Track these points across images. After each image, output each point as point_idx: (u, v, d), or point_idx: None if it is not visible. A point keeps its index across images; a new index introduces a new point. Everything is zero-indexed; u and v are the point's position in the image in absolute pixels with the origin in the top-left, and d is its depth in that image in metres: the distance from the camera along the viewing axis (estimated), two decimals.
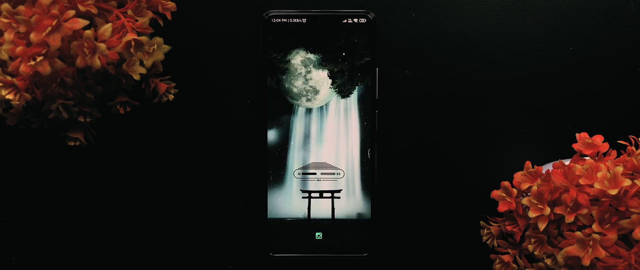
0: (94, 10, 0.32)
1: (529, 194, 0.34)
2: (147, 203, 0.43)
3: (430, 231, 0.43)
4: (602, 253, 0.29)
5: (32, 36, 0.29)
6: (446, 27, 0.42)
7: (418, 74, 0.43)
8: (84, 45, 0.30)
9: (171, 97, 0.39)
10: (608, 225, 0.30)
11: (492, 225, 0.36)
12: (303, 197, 0.42)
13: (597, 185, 0.30)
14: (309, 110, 0.42)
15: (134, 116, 0.41)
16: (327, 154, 0.42)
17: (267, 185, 0.42)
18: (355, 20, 0.41)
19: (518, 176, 0.34)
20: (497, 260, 0.35)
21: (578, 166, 0.32)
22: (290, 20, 0.41)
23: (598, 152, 0.34)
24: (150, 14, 0.34)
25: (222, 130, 0.43)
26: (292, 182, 0.42)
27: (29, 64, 0.29)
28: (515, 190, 0.34)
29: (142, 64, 0.34)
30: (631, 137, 0.34)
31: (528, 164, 0.34)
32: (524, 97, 0.42)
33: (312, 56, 0.41)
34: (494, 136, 0.43)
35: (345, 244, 0.42)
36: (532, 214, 0.32)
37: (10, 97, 0.31)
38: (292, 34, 0.41)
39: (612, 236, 0.29)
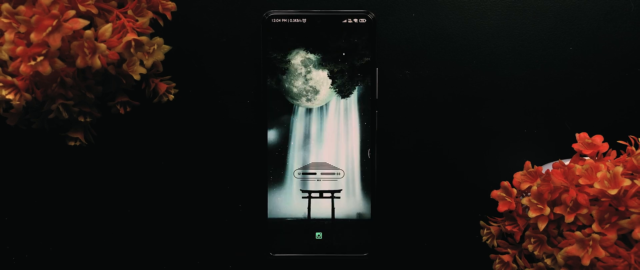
0: (94, 11, 0.32)
1: (529, 194, 0.34)
2: (147, 203, 0.43)
3: (430, 231, 0.43)
4: (602, 253, 0.29)
5: (33, 36, 0.29)
6: (446, 27, 0.42)
7: (418, 74, 0.43)
8: (84, 45, 0.30)
9: (171, 97, 0.39)
10: (608, 225, 0.30)
11: (492, 225, 0.36)
12: (303, 197, 0.42)
13: (596, 185, 0.30)
14: (309, 110, 0.42)
15: (134, 116, 0.42)
16: (327, 154, 0.42)
17: (267, 185, 0.42)
18: (355, 20, 0.41)
19: (518, 176, 0.34)
20: (497, 260, 0.35)
21: (578, 166, 0.32)
22: (290, 20, 0.41)
23: (598, 152, 0.34)
24: (150, 14, 0.34)
25: (222, 130, 0.43)
26: (292, 182, 0.42)
27: (29, 64, 0.29)
28: (515, 190, 0.34)
29: (142, 64, 0.34)
30: (631, 137, 0.34)
31: (528, 164, 0.34)
32: (524, 97, 0.42)
33: (312, 56, 0.41)
34: (494, 136, 0.43)
35: (345, 244, 0.42)
36: (532, 214, 0.32)
37: (10, 97, 0.31)
38: (292, 34, 0.41)
39: (612, 236, 0.29)
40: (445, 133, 0.43)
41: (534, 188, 0.33)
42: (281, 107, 0.42)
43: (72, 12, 0.30)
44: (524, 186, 0.34)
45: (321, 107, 0.42)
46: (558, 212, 0.31)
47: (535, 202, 0.32)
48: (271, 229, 0.42)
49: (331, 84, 0.41)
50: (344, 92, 0.41)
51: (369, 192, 0.42)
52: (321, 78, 0.41)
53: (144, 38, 0.33)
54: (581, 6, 0.42)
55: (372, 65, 0.41)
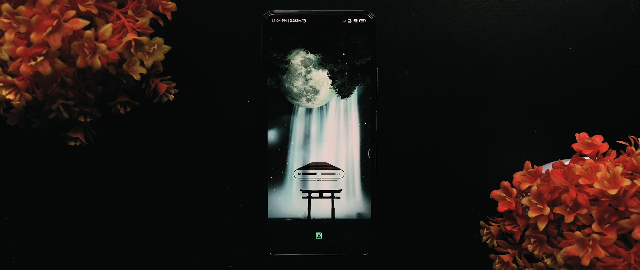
0: (95, 11, 0.32)
1: (529, 193, 0.34)
2: (147, 203, 0.43)
3: (430, 231, 0.43)
4: (602, 253, 0.29)
5: (33, 36, 0.29)
6: (446, 27, 0.42)
7: (418, 74, 0.43)
8: (84, 45, 0.30)
9: (171, 97, 0.39)
10: (607, 225, 0.30)
11: (491, 225, 0.36)
12: (303, 197, 0.42)
13: (596, 185, 0.30)
14: (309, 110, 0.42)
15: (134, 116, 0.42)
16: (327, 154, 0.42)
17: (267, 185, 0.42)
18: (355, 20, 0.41)
19: (518, 176, 0.34)
20: (497, 260, 0.36)
21: (578, 166, 0.32)
22: (291, 20, 0.41)
23: (597, 152, 0.34)
24: (150, 14, 0.34)
25: (222, 130, 0.43)
26: (292, 182, 0.42)
27: (29, 64, 0.29)
28: (515, 190, 0.34)
29: (142, 64, 0.34)
30: (631, 137, 0.34)
31: (528, 164, 0.34)
32: (523, 97, 0.42)
33: (312, 56, 0.41)
34: (494, 136, 0.43)
35: (345, 243, 0.42)
36: (531, 214, 0.32)
37: (10, 97, 0.31)
38: (292, 34, 0.41)
39: (612, 236, 0.29)
40: (445, 133, 0.43)
41: (534, 188, 0.33)
42: (281, 107, 0.42)
43: (72, 12, 0.30)
44: (524, 186, 0.34)
45: (321, 107, 0.42)
46: (558, 212, 0.31)
47: (535, 202, 0.32)
48: (271, 229, 0.42)
49: (331, 84, 0.41)
50: (344, 92, 0.41)
51: (369, 192, 0.42)
52: (321, 78, 0.41)
53: (144, 38, 0.33)
54: (581, 6, 0.42)
55: (372, 65, 0.41)
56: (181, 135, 0.43)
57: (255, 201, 0.43)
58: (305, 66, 0.41)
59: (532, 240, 0.33)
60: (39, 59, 0.29)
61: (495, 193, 0.35)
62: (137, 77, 0.34)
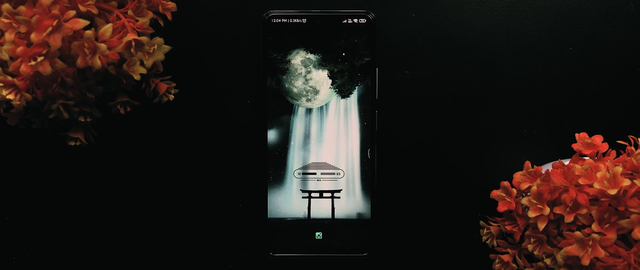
0: (95, 11, 0.32)
1: (529, 193, 0.34)
2: (147, 203, 0.43)
3: (430, 231, 0.43)
4: (602, 253, 0.29)
5: (33, 36, 0.29)
6: (446, 27, 0.42)
7: (418, 74, 0.43)
8: (84, 45, 0.30)
9: (171, 97, 0.39)
10: (607, 225, 0.30)
11: (491, 225, 0.36)
12: (303, 197, 0.42)
13: (596, 185, 0.30)
14: (309, 110, 0.42)
15: (135, 116, 0.42)
16: (327, 154, 0.42)
17: (267, 185, 0.42)
18: (355, 20, 0.41)
19: (518, 176, 0.34)
20: (497, 260, 0.36)
21: (577, 166, 0.32)
22: (291, 20, 0.41)
23: (597, 152, 0.34)
24: (150, 14, 0.34)
25: (222, 130, 0.43)
26: (292, 182, 0.42)
27: (29, 64, 0.29)
28: (514, 190, 0.34)
29: (142, 64, 0.34)
30: (630, 137, 0.34)
31: (527, 163, 0.34)
32: (523, 97, 0.42)
33: (312, 56, 0.41)
34: (494, 136, 0.43)
35: (345, 243, 0.42)
36: (531, 214, 0.32)
37: (10, 97, 0.31)
38: (292, 34, 0.41)
39: (612, 236, 0.29)
40: (445, 133, 0.43)
41: (534, 188, 0.33)
42: (281, 107, 0.42)
43: (72, 12, 0.30)
44: (524, 186, 0.34)
45: (321, 107, 0.42)
46: (558, 212, 0.31)
47: (535, 202, 0.32)
48: (271, 229, 0.42)
49: (331, 84, 0.41)
50: (344, 92, 0.42)
51: (369, 192, 0.42)
52: (321, 78, 0.41)
53: (144, 38, 0.33)
54: (581, 6, 0.42)
55: (372, 65, 0.41)
56: (181, 135, 0.43)
57: (255, 201, 0.43)
58: (305, 66, 0.41)
59: (532, 240, 0.33)
60: (39, 59, 0.29)
61: (495, 193, 0.35)
62: (137, 77, 0.34)
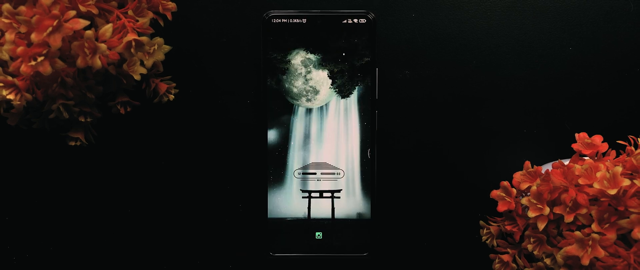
0: (95, 11, 0.32)
1: (529, 193, 0.34)
2: (148, 203, 0.43)
3: (430, 231, 0.43)
4: (601, 253, 0.29)
5: (33, 36, 0.29)
6: (446, 27, 0.42)
7: (418, 74, 0.43)
8: (84, 45, 0.30)
9: (172, 97, 0.39)
10: (607, 225, 0.30)
11: (491, 225, 0.36)
12: (303, 197, 0.42)
13: (596, 185, 0.30)
14: (309, 110, 0.42)
15: (135, 116, 0.42)
16: (327, 154, 0.42)
17: (267, 185, 0.42)
18: (355, 20, 0.41)
19: (517, 176, 0.35)
20: (497, 260, 0.36)
21: (577, 166, 0.32)
22: (291, 20, 0.41)
23: (597, 152, 0.34)
24: (150, 14, 0.34)
25: (222, 131, 0.43)
26: (292, 182, 0.42)
27: (29, 64, 0.29)
28: (514, 190, 0.34)
29: (142, 64, 0.34)
30: (630, 137, 0.34)
31: (527, 163, 0.34)
32: (523, 97, 0.42)
33: (312, 56, 0.41)
34: (494, 136, 0.43)
35: (345, 243, 0.42)
36: (531, 214, 0.32)
37: (11, 97, 0.31)
38: (292, 34, 0.41)
39: (611, 236, 0.29)
40: (445, 133, 0.43)
41: (534, 188, 0.33)
42: (281, 107, 0.42)
43: (72, 13, 0.30)
44: (524, 186, 0.34)
45: (321, 107, 0.42)
46: (557, 212, 0.31)
47: (534, 202, 0.32)
48: (271, 228, 0.42)
49: (331, 84, 0.42)
50: (344, 92, 0.42)
51: (369, 192, 0.42)
52: (321, 78, 0.41)
53: (144, 38, 0.33)
54: (581, 6, 0.42)
55: (372, 65, 0.41)
56: (181, 135, 0.43)
57: (255, 201, 0.43)
58: (305, 66, 0.41)
59: (531, 240, 0.33)
60: (40, 59, 0.29)
61: (495, 193, 0.35)
62: (137, 77, 0.34)
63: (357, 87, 0.41)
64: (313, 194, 0.42)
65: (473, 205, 0.43)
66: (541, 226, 0.32)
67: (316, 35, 0.41)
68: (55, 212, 0.43)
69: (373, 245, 0.42)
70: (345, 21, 0.41)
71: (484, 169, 0.43)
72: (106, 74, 0.35)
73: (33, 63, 0.29)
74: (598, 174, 0.31)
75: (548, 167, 0.35)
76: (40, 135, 0.42)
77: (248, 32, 0.42)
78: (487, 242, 0.36)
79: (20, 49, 0.29)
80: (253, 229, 0.43)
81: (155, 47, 0.34)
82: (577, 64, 0.42)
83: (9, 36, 0.29)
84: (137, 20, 0.34)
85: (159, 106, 0.42)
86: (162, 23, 0.36)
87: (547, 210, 0.31)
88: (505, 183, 0.35)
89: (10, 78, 0.31)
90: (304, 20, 0.41)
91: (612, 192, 0.29)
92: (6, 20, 0.29)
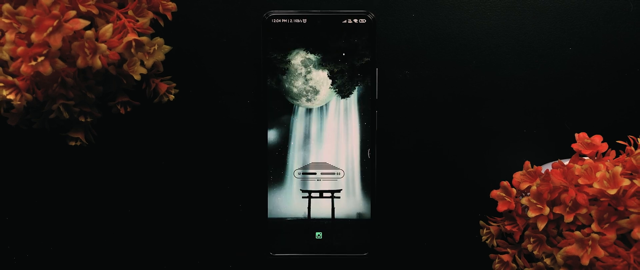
0: (95, 11, 0.32)
1: (529, 193, 0.34)
2: (148, 203, 0.43)
3: (430, 231, 0.43)
4: (601, 253, 0.29)
5: (33, 36, 0.29)
6: (446, 27, 0.42)
7: (418, 74, 0.43)
8: (84, 45, 0.30)
9: (172, 97, 0.39)
10: (607, 225, 0.30)
11: (491, 225, 0.36)
12: (303, 197, 0.42)
13: (596, 185, 0.30)
14: (309, 111, 0.42)
15: (135, 116, 0.42)
16: (327, 154, 0.42)
17: (267, 185, 0.42)
18: (355, 20, 0.41)
19: (517, 176, 0.35)
20: (497, 260, 0.36)
21: (577, 166, 0.32)
22: (291, 20, 0.41)
23: (597, 152, 0.34)
24: (150, 15, 0.35)
25: (223, 131, 0.43)
26: (292, 182, 0.42)
27: (30, 64, 0.29)
28: (514, 190, 0.34)
29: (142, 64, 0.34)
30: (630, 137, 0.34)
31: (527, 163, 0.34)
32: (523, 97, 0.43)
33: (312, 56, 0.41)
34: (494, 136, 0.43)
35: (345, 243, 0.42)
36: (531, 214, 0.32)
37: (11, 97, 0.31)
38: (292, 34, 0.41)
39: (611, 236, 0.29)
40: (445, 133, 0.43)
41: (534, 188, 0.33)
42: (281, 107, 0.42)
43: (72, 13, 0.30)
44: (524, 186, 0.34)
45: (321, 107, 0.42)
46: (557, 211, 0.31)
47: (534, 201, 0.32)
48: (271, 228, 0.42)
49: (331, 84, 0.42)
50: (344, 92, 0.42)
51: (369, 192, 0.42)
52: (321, 78, 0.41)
53: (144, 38, 0.33)
54: (581, 6, 0.42)
55: (372, 65, 0.41)
56: (181, 135, 0.43)
57: (255, 201, 0.43)
58: (305, 66, 0.41)
59: (531, 240, 0.33)
60: (40, 59, 0.29)
61: (495, 193, 0.35)
62: (137, 77, 0.34)
63: (357, 87, 0.41)
64: (313, 194, 0.42)
65: (473, 205, 0.43)
66: (541, 226, 0.32)
67: (316, 35, 0.41)
68: (55, 212, 0.43)
69: (373, 245, 0.42)
70: (345, 21, 0.41)
71: (484, 169, 0.43)
72: (106, 74, 0.35)
73: (33, 63, 0.29)
74: (598, 174, 0.31)
75: (548, 167, 0.35)
76: (41, 135, 0.42)
77: (248, 32, 0.42)
78: (487, 242, 0.36)
79: (20, 49, 0.29)
80: (253, 229, 0.43)
81: (156, 47, 0.34)
82: (577, 64, 0.42)
83: (9, 36, 0.29)
84: (137, 21, 0.34)
85: (159, 106, 0.42)
86: (162, 23, 0.36)
87: (547, 210, 0.32)
88: (505, 183, 0.35)
89: (10, 78, 0.31)
90: (304, 21, 0.41)
91: (612, 192, 0.29)
92: (6, 20, 0.29)
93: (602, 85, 0.42)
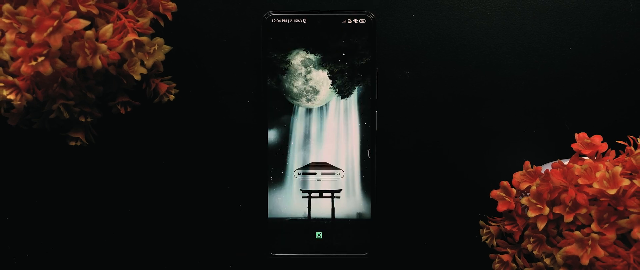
0: (95, 11, 0.32)
1: (528, 193, 0.34)
2: (148, 203, 0.43)
3: (430, 231, 0.43)
4: (601, 252, 0.29)
5: (34, 36, 0.29)
6: (446, 27, 0.42)
7: (418, 74, 0.43)
8: (85, 45, 0.31)
9: (172, 97, 0.39)
10: (607, 225, 0.30)
11: (491, 225, 0.36)
12: (303, 197, 0.42)
13: (596, 185, 0.30)
14: (309, 111, 0.42)
15: (135, 116, 0.42)
16: (327, 154, 0.42)
17: (268, 185, 0.42)
18: (355, 20, 0.41)
19: (517, 176, 0.35)
20: (496, 260, 0.36)
21: (577, 166, 0.32)
22: (291, 20, 0.41)
23: (597, 152, 0.34)
24: (151, 15, 0.35)
25: (223, 131, 0.43)
26: (292, 182, 0.42)
27: (30, 64, 0.29)
28: (514, 190, 0.34)
29: (142, 64, 0.34)
30: (630, 137, 0.34)
31: (527, 163, 0.34)
32: (523, 97, 0.43)
33: (312, 56, 0.41)
34: (494, 136, 0.43)
35: (345, 243, 0.42)
36: (531, 214, 0.32)
37: (11, 97, 0.31)
38: (292, 34, 0.41)
39: (611, 236, 0.29)
40: (445, 133, 0.43)
41: (533, 188, 0.33)
42: (281, 107, 0.42)
43: (73, 13, 0.30)
44: (524, 186, 0.34)
45: (321, 107, 0.42)
46: (557, 211, 0.31)
47: (534, 201, 0.32)
48: (271, 228, 0.42)
49: (331, 84, 0.42)
50: (344, 92, 0.42)
51: (369, 192, 0.42)
52: (321, 78, 0.42)
53: (144, 38, 0.33)
54: (581, 6, 0.42)
55: (372, 65, 0.41)
56: (181, 135, 0.43)
57: (255, 201, 0.43)
58: (305, 66, 0.41)
59: (531, 239, 0.33)
60: (40, 59, 0.29)
61: (495, 193, 0.35)
62: (137, 77, 0.34)
63: (357, 87, 0.41)
64: (313, 194, 0.42)
65: (473, 205, 0.43)
66: (541, 226, 0.32)
67: (316, 36, 0.41)
68: (55, 212, 0.43)
69: (373, 245, 0.42)
70: (345, 21, 0.41)
71: (484, 168, 0.43)
72: (106, 74, 0.35)
73: (33, 63, 0.29)
74: (598, 174, 0.31)
75: (548, 167, 0.35)
76: (41, 135, 0.42)
77: (248, 32, 0.42)
78: (487, 242, 0.36)
79: (20, 49, 0.29)
80: (253, 229, 0.43)
81: (156, 47, 0.34)
82: (577, 64, 0.42)
83: (9, 36, 0.29)
84: (138, 21, 0.34)
85: (159, 106, 0.42)
86: (162, 23, 0.36)
87: (546, 210, 0.32)
88: (505, 183, 0.35)
89: (10, 78, 0.31)
90: (304, 21, 0.41)
91: (612, 192, 0.29)
92: (7, 21, 0.29)
93: (602, 85, 0.42)
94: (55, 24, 0.29)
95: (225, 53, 0.42)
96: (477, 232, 0.42)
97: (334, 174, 0.42)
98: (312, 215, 0.42)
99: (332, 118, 0.42)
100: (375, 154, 0.42)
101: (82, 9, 0.31)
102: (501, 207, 0.34)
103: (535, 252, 0.32)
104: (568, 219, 0.31)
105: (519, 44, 0.42)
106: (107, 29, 0.32)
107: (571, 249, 0.30)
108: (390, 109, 0.43)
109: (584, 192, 0.31)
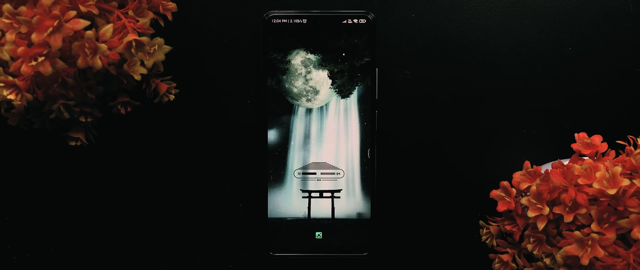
0: (95, 11, 0.32)
1: (528, 193, 0.34)
2: (148, 203, 0.43)
3: (430, 231, 0.43)
4: (601, 252, 0.29)
5: (34, 37, 0.29)
6: (446, 27, 0.42)
7: (418, 74, 0.43)
8: (85, 45, 0.31)
9: (172, 97, 0.39)
10: (607, 225, 0.30)
11: (491, 225, 0.36)
12: (303, 197, 0.42)
13: (595, 185, 0.30)
14: (309, 111, 0.42)
15: (135, 116, 0.42)
16: (327, 154, 0.42)
17: (268, 185, 0.42)
18: (355, 20, 0.41)
19: (517, 176, 0.35)
20: (496, 260, 0.36)
21: (577, 166, 0.32)
22: (291, 20, 0.41)
23: (597, 152, 0.34)
24: (151, 15, 0.35)
25: (223, 131, 0.43)
26: (292, 182, 0.42)
27: (30, 64, 0.29)
28: (514, 190, 0.34)
29: (143, 64, 0.34)
30: (630, 137, 0.34)
31: (527, 163, 0.34)
32: (523, 97, 0.43)
33: (312, 56, 0.41)
34: (494, 136, 0.43)
35: (345, 243, 0.42)
36: (531, 214, 0.32)
37: (11, 97, 0.31)
38: (293, 34, 0.41)
39: (611, 236, 0.29)
40: (445, 133, 0.43)
41: (533, 188, 0.33)
42: (281, 107, 0.42)
43: (73, 13, 0.30)
44: (523, 186, 0.34)
45: (321, 107, 0.42)
46: (557, 211, 0.31)
47: (534, 201, 0.32)
48: (271, 228, 0.42)
49: (331, 84, 0.42)
50: (344, 92, 0.42)
51: (369, 192, 0.42)
52: (321, 78, 0.42)
53: (144, 38, 0.33)
54: (581, 6, 0.42)
55: (372, 65, 0.41)
56: (181, 135, 0.43)
57: (255, 201, 0.43)
58: (306, 66, 0.41)
59: (531, 239, 0.33)
60: (40, 59, 0.29)
61: (495, 193, 0.35)
62: (137, 77, 0.34)
63: (357, 87, 0.41)
64: (313, 194, 0.42)
65: (473, 205, 0.43)
66: (541, 226, 0.32)
67: (316, 36, 0.41)
68: (55, 212, 0.43)
69: (373, 245, 0.42)
70: (345, 21, 0.41)
71: (484, 168, 0.43)
72: (107, 74, 0.35)
73: (34, 63, 0.29)
74: (597, 174, 0.31)
75: (548, 167, 0.35)
76: (41, 135, 0.42)
77: (248, 32, 0.42)
78: (487, 242, 0.36)
79: (20, 49, 0.29)
80: (253, 229, 0.43)
81: (156, 47, 0.34)
82: (576, 64, 0.42)
83: (9, 36, 0.29)
84: (138, 21, 0.34)
85: (159, 106, 0.42)
86: (162, 23, 0.36)
87: (546, 210, 0.32)
88: (505, 183, 0.35)
89: (10, 78, 0.31)
90: (304, 21, 0.41)
91: (612, 192, 0.29)
92: (7, 21, 0.29)
93: (602, 85, 0.42)
94: (55, 24, 0.29)
95: (225, 53, 0.42)
96: (477, 232, 0.42)
97: (334, 174, 0.42)
98: (312, 215, 0.42)
99: (332, 118, 0.42)
100: (375, 154, 0.42)
101: (82, 9, 0.31)
102: (501, 207, 0.34)
103: (535, 252, 0.32)
104: (568, 219, 0.31)
105: (519, 44, 0.42)
106: (107, 29, 0.32)
107: (571, 249, 0.30)
108: (390, 109, 0.43)
109: (584, 192, 0.31)
